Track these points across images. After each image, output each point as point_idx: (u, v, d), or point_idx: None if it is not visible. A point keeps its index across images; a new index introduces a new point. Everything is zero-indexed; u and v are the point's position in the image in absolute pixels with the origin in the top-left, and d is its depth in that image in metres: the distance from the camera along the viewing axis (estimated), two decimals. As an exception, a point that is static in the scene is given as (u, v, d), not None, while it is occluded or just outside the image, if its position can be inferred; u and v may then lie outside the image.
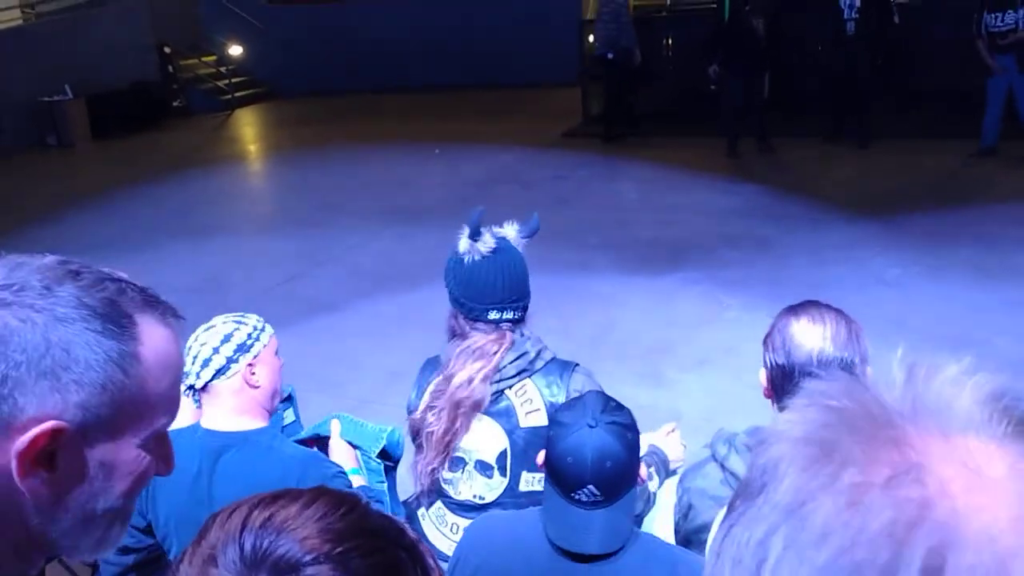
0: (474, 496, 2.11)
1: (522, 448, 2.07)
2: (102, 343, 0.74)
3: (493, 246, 2.09)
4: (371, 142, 11.29)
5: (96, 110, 12.92)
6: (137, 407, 0.76)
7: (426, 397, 2.15)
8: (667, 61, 11.05)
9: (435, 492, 2.17)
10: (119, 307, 0.76)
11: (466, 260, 2.09)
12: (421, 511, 2.21)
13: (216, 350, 1.91)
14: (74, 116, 12.73)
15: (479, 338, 2.10)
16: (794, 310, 1.73)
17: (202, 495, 1.91)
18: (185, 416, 2.18)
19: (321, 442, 2.31)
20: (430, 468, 2.10)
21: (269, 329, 2.02)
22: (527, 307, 2.15)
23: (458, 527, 2.13)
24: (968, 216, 6.91)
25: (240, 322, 1.96)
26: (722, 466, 1.71)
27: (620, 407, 1.73)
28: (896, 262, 6.14)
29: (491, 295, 2.10)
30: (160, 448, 0.81)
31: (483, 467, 2.10)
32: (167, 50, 14.48)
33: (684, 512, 1.76)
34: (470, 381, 2.05)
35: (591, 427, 1.64)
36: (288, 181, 10.46)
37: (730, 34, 8.87)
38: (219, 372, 1.91)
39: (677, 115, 10.61)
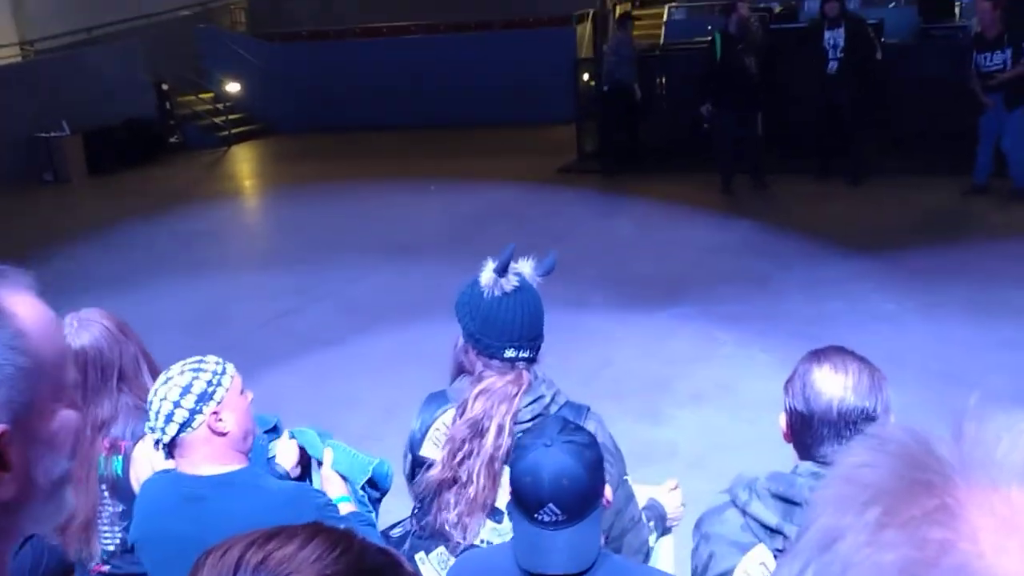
0: (481, 541, 2.06)
1: None
2: None
3: (516, 284, 2.06)
4: (367, 179, 11.34)
5: (93, 146, 12.97)
6: (47, 376, 0.77)
7: (442, 441, 2.08)
8: (661, 99, 11.16)
9: (438, 536, 2.10)
10: None
11: (486, 295, 2.05)
12: (420, 555, 2.15)
13: (177, 404, 1.85)
14: (71, 152, 12.78)
15: (496, 379, 2.04)
16: (817, 357, 1.71)
17: (188, 542, 1.88)
18: (157, 467, 2.17)
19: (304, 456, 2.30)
20: (466, 524, 2.03)
21: (230, 369, 1.96)
22: (540, 347, 2.11)
23: None
24: (962, 253, 6.95)
25: (198, 369, 1.89)
26: (743, 511, 1.69)
27: (579, 428, 1.74)
28: (891, 298, 6.16)
29: (510, 333, 2.05)
30: (73, 396, 0.82)
31: (492, 512, 2.05)
32: (164, 87, 14.58)
33: (704, 560, 1.75)
34: (500, 431, 2.00)
35: (547, 446, 1.66)
36: (284, 217, 10.49)
37: (722, 73, 8.94)
38: (184, 426, 1.86)
39: (672, 152, 10.69)
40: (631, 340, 5.81)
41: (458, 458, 2.02)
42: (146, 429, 1.90)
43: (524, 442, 1.72)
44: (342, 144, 13.84)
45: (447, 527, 2.07)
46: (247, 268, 8.54)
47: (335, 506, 2.00)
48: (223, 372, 1.92)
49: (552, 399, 2.06)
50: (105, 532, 2.27)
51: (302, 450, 2.30)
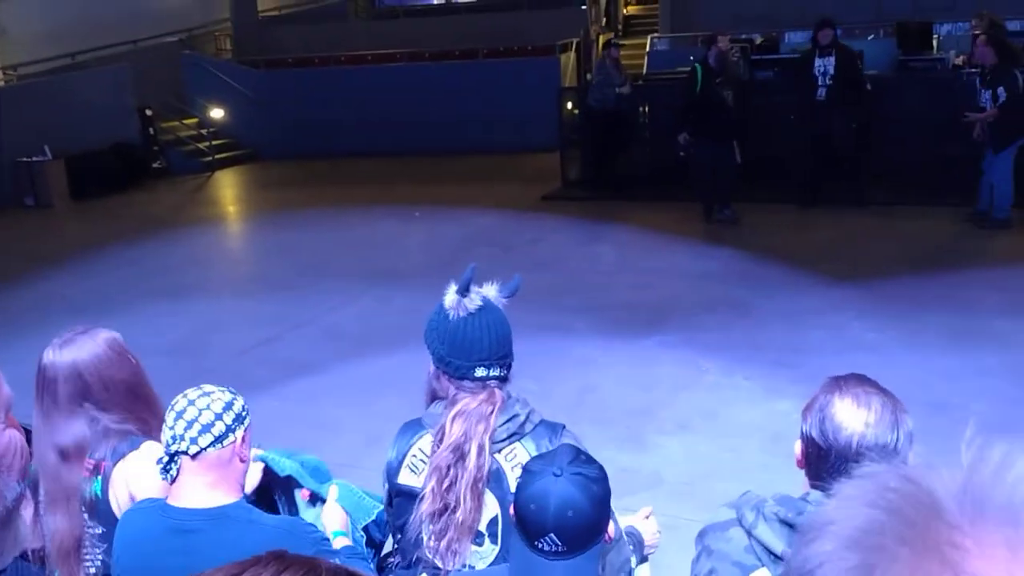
0: (464, 565, 2.04)
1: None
2: None
3: (480, 304, 2.07)
4: (351, 205, 11.34)
5: (76, 170, 12.91)
6: None
7: (420, 468, 2.08)
8: (642, 128, 11.27)
9: (419, 562, 2.08)
10: None
11: (451, 316, 2.06)
12: None
13: (219, 416, 1.85)
14: (53, 176, 12.71)
15: (469, 399, 2.05)
16: (839, 387, 1.68)
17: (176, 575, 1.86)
18: (144, 468, 2.11)
19: (315, 497, 2.27)
20: (456, 550, 2.01)
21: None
22: (511, 365, 2.12)
23: None
24: (944, 281, 7.02)
25: (234, 393, 1.92)
26: (749, 533, 1.68)
27: (591, 460, 1.74)
28: (872, 327, 6.20)
29: (479, 352, 2.06)
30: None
31: (475, 535, 2.04)
32: (148, 112, 14.56)
33: (707, 572, 1.74)
34: (481, 450, 2.00)
35: (556, 476, 1.66)
36: (267, 243, 10.46)
37: (701, 104, 9.07)
38: (218, 440, 1.84)
39: (655, 180, 10.78)
40: (615, 367, 5.80)
41: (445, 484, 2.01)
42: (167, 438, 1.85)
43: (533, 468, 1.72)
44: (326, 171, 13.86)
45: (433, 555, 2.04)
46: (229, 294, 8.49)
47: (329, 541, 1.96)
48: (247, 405, 1.95)
49: (527, 417, 2.06)
50: (86, 555, 2.22)
51: (267, 473, 2.27)
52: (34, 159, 12.62)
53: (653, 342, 6.15)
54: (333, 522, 2.18)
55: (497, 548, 2.04)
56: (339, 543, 2.07)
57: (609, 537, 1.76)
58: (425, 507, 2.04)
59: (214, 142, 14.84)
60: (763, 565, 1.65)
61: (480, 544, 2.04)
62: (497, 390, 2.07)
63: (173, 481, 1.89)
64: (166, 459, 1.87)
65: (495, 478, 2.04)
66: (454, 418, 2.04)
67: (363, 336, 6.67)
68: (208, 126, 15.07)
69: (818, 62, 9.12)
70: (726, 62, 9.26)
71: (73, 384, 2.14)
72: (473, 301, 2.07)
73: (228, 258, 10.47)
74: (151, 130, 14.59)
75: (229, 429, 1.86)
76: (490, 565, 2.04)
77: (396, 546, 2.19)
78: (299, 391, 5.68)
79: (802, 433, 1.70)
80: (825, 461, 1.64)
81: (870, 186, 9.52)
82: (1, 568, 2.06)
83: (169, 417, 1.87)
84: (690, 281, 7.51)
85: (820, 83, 9.10)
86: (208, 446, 1.84)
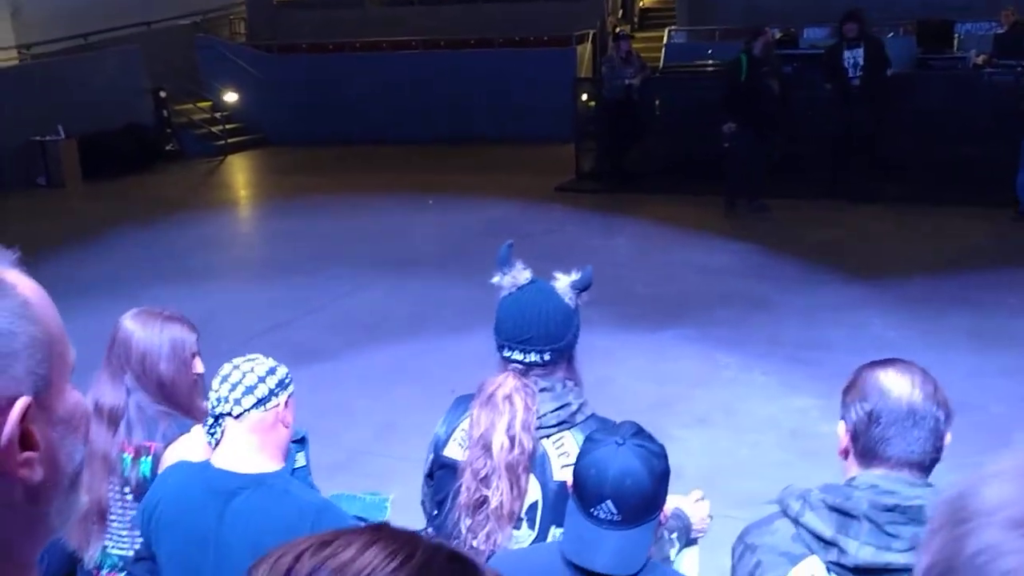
0: (499, 548, 2.01)
1: (553, 502, 2.00)
2: (1, 305, 0.71)
3: (522, 281, 2.05)
4: (364, 192, 11.29)
5: (88, 151, 12.87)
6: (55, 348, 0.74)
7: (467, 443, 2.05)
8: (657, 120, 11.20)
9: (453, 541, 2.05)
10: None
11: (503, 293, 2.07)
12: None
13: (262, 379, 1.88)
14: (65, 156, 12.68)
15: (490, 385, 2.02)
16: (880, 363, 1.71)
17: (209, 536, 1.84)
18: (196, 451, 2.11)
19: None
20: (494, 540, 1.98)
21: None
22: (557, 353, 2.03)
23: None
24: (965, 281, 6.93)
25: (277, 362, 1.96)
26: (796, 522, 1.65)
27: (653, 438, 1.74)
28: (891, 325, 6.14)
29: (505, 332, 2.04)
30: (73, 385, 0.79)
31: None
32: (162, 94, 14.52)
33: (751, 568, 1.71)
34: (512, 439, 1.95)
35: (618, 444, 1.67)
36: (278, 228, 10.41)
37: (747, 94, 8.95)
38: (261, 402, 1.87)
39: (668, 173, 10.72)
40: (632, 360, 5.76)
41: (481, 476, 1.99)
42: (212, 401, 1.89)
43: (596, 437, 1.73)
44: (339, 157, 13.80)
45: (470, 540, 2.02)
46: (241, 279, 8.46)
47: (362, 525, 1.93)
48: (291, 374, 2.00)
49: (579, 408, 2.03)
50: (124, 536, 2.20)
51: None
52: (47, 138, 12.59)
53: (670, 335, 6.11)
54: None
55: (535, 534, 2.02)
56: None
57: (665, 516, 1.75)
58: (462, 500, 2.02)
59: (227, 126, 14.79)
60: (812, 552, 1.63)
61: (518, 528, 2.02)
62: (514, 376, 2.00)
63: (217, 444, 1.91)
64: (211, 420, 1.90)
65: (539, 463, 2.01)
66: (479, 409, 2.01)
67: (375, 324, 6.63)
68: (221, 109, 15.03)
69: (847, 54, 9.09)
70: (771, 53, 9.22)
71: (121, 353, 2.20)
72: (515, 278, 2.05)
73: (240, 242, 10.44)
74: (165, 112, 14.55)
75: (272, 392, 1.88)
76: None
77: (432, 524, 2.16)
78: (311, 377, 5.61)
79: (845, 416, 1.68)
80: (876, 426, 1.61)
81: (890, 183, 9.46)
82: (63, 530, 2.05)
83: (215, 382, 1.90)
84: (707, 275, 7.45)
85: (851, 74, 9.06)
86: (251, 407, 1.86)
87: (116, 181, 12.72)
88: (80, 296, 6.70)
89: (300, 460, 2.30)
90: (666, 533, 2.10)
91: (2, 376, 0.68)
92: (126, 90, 13.92)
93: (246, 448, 1.86)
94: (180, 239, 9.51)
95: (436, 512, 2.13)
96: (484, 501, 1.98)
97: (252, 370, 1.89)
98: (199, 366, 2.30)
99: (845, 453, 1.71)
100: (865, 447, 1.65)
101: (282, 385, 1.91)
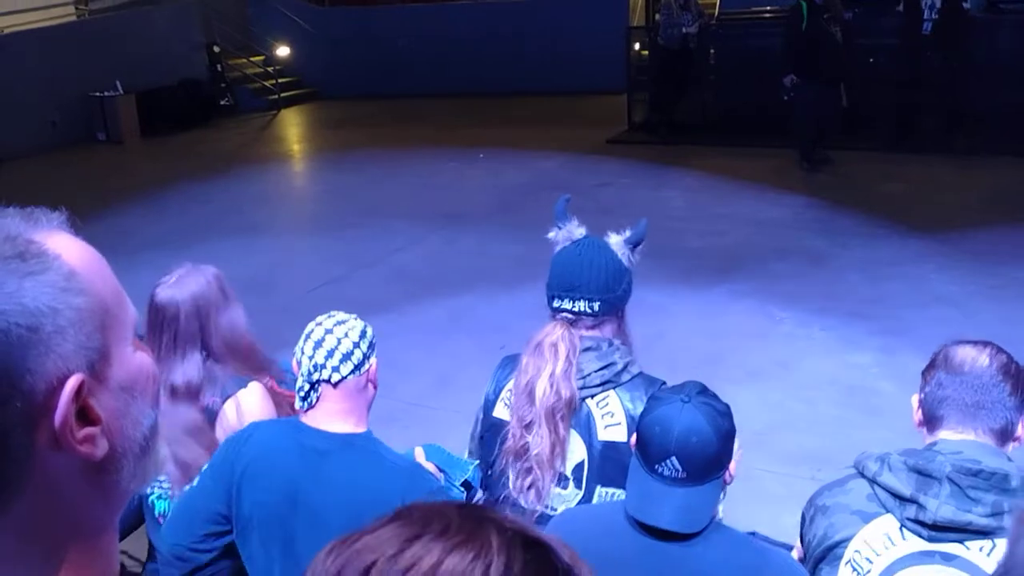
0: (546, 507, 2.04)
1: (599, 462, 2.01)
2: (42, 280, 0.67)
3: (577, 236, 2.07)
4: (415, 146, 11.31)
5: (145, 107, 13.07)
6: (109, 315, 0.71)
7: (509, 404, 2.09)
8: (712, 70, 10.95)
9: (505, 499, 2.10)
10: (16, 239, 0.69)
11: (556, 249, 2.09)
12: None
13: (356, 344, 1.86)
14: (124, 112, 12.89)
15: (539, 334, 2.05)
16: (955, 342, 1.73)
17: (300, 494, 1.86)
18: (252, 404, 2.16)
19: None
20: (539, 487, 2.01)
21: None
22: (608, 305, 2.03)
23: None
24: (1029, 234, 6.73)
25: (363, 321, 1.93)
26: (873, 482, 1.67)
27: (719, 398, 1.73)
28: (953, 280, 6.00)
29: (558, 280, 2.05)
30: (138, 342, 0.77)
31: (559, 477, 2.04)
32: (216, 49, 14.62)
33: (820, 533, 1.73)
34: (553, 385, 1.98)
35: (684, 402, 1.66)
36: (332, 182, 10.49)
37: (808, 43, 8.61)
38: (357, 367, 1.85)
39: (724, 124, 10.52)
40: (685, 315, 5.72)
41: (526, 422, 2.02)
42: (307, 367, 1.86)
43: (660, 395, 1.73)
44: (390, 110, 13.81)
45: (517, 493, 2.06)
46: (296, 232, 8.58)
47: (446, 492, 1.96)
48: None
49: (624, 367, 2.02)
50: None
51: None
52: (106, 94, 12.79)
53: (724, 290, 6.05)
54: None
55: (581, 493, 2.04)
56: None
57: (731, 476, 1.75)
58: (508, 445, 2.05)
59: (280, 80, 14.87)
60: (887, 511, 1.63)
61: (564, 488, 2.03)
62: (565, 327, 2.02)
63: (310, 408, 1.90)
64: (307, 387, 1.88)
65: (583, 423, 2.02)
66: (527, 357, 2.04)
67: (430, 277, 6.68)
68: (274, 64, 15.09)
69: None
70: None
71: (191, 321, 2.17)
72: (571, 233, 2.07)
73: (294, 196, 10.55)
74: (219, 67, 14.66)
75: (366, 356, 1.88)
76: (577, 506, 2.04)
77: (483, 483, 2.20)
78: (368, 330, 5.72)
79: (921, 392, 1.70)
80: (944, 390, 1.65)
81: (960, 134, 9.17)
82: (141, 494, 2.11)
83: (307, 346, 1.87)
84: (762, 228, 7.33)
85: (926, 16, 8.74)
86: (349, 374, 1.85)
87: (172, 136, 12.91)
88: (140, 251, 6.87)
89: None
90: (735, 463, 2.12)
91: (50, 356, 0.66)
92: (181, 45, 14.05)
93: (339, 411, 1.87)
94: (236, 194, 9.65)
95: (489, 471, 2.16)
96: (527, 448, 2.01)
97: (347, 335, 1.86)
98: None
99: (920, 424, 1.73)
100: (934, 417, 1.66)
101: (372, 347, 1.90)
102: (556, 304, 2.05)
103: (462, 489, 2.22)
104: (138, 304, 0.82)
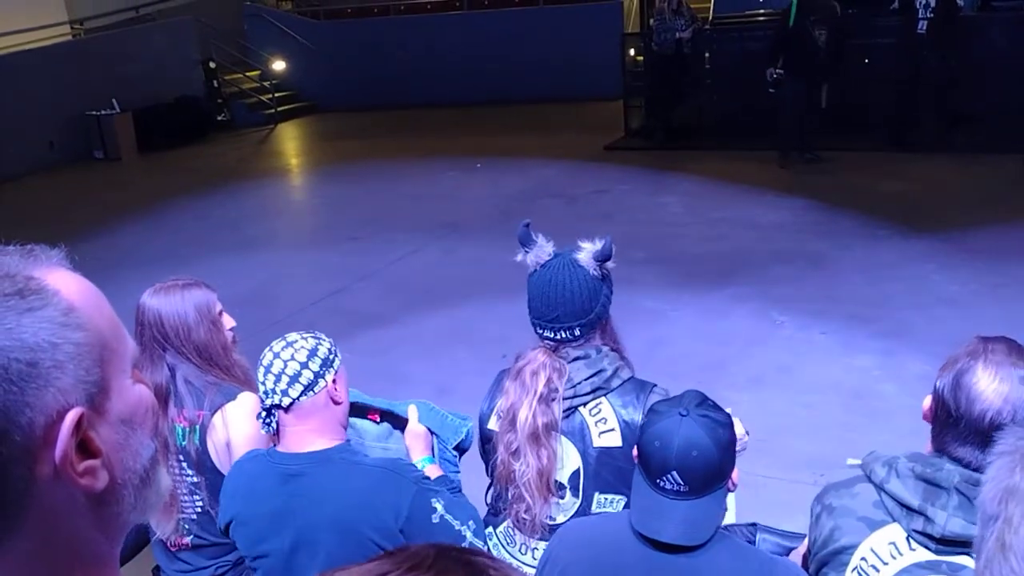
0: (546, 517, 2.05)
1: (595, 469, 2.02)
2: (41, 316, 0.68)
3: (545, 257, 2.05)
4: (413, 156, 11.31)
5: (142, 124, 13.09)
6: (107, 349, 0.73)
7: (498, 423, 2.10)
8: (707, 74, 10.96)
9: (504, 511, 2.12)
10: (15, 276, 0.70)
11: (529, 272, 2.08)
12: (488, 530, 2.15)
13: (304, 365, 1.84)
14: (121, 129, 12.91)
15: (522, 360, 2.07)
16: (985, 350, 1.55)
17: (284, 522, 1.86)
18: (242, 417, 2.18)
19: (387, 417, 2.26)
20: (533, 513, 2.01)
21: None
22: (586, 327, 2.04)
23: (527, 547, 2.07)
24: (1029, 232, 6.71)
25: (318, 337, 1.91)
26: (880, 488, 1.63)
27: (718, 407, 1.72)
28: (954, 280, 5.97)
29: (536, 309, 2.06)
30: (139, 373, 0.78)
31: (555, 487, 2.04)
32: (212, 65, 14.65)
33: (826, 533, 1.69)
34: (532, 412, 1.99)
35: (682, 415, 1.65)
36: (330, 195, 10.49)
37: (792, 40, 8.90)
38: (307, 388, 1.84)
39: (720, 128, 10.52)
40: (685, 320, 5.70)
41: (511, 450, 2.03)
42: (261, 393, 1.88)
43: (659, 408, 1.72)
44: (387, 121, 13.82)
45: (514, 521, 2.08)
46: (295, 246, 8.56)
47: (429, 479, 1.95)
48: (335, 345, 1.94)
49: (614, 373, 2.02)
50: (184, 502, 2.27)
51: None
52: (103, 112, 12.81)
53: (725, 295, 6.03)
54: (417, 448, 2.16)
55: (579, 501, 2.05)
56: (430, 472, 2.06)
57: (733, 484, 1.74)
58: (500, 472, 2.07)
59: (276, 94, 14.89)
60: (894, 520, 1.60)
61: (562, 497, 2.05)
62: (543, 352, 2.04)
63: (276, 432, 1.91)
64: (263, 413, 1.90)
65: (578, 432, 2.03)
66: (510, 383, 2.06)
67: (429, 288, 6.67)
68: (270, 78, 15.12)
69: None
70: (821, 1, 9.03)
71: (155, 331, 2.22)
72: (538, 255, 2.05)
73: (292, 210, 10.55)
74: (215, 83, 14.69)
75: (317, 376, 1.85)
76: (570, 518, 2.04)
77: (487, 491, 2.22)
78: (369, 342, 5.70)
79: (935, 390, 1.61)
80: (953, 428, 1.56)
81: (958, 133, 9.17)
82: (142, 524, 2.13)
83: (259, 373, 1.88)
84: (762, 232, 7.32)
85: (921, 16, 8.78)
86: (299, 396, 1.84)
87: (170, 153, 12.92)
88: (138, 268, 6.85)
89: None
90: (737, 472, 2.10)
91: (49, 390, 0.67)
92: (178, 62, 14.09)
93: (304, 432, 1.86)
94: (234, 209, 9.64)
95: (491, 482, 2.18)
96: (515, 476, 2.02)
97: (292, 358, 1.84)
98: (229, 321, 2.35)
99: (929, 420, 1.66)
100: (940, 438, 1.60)
101: (327, 364, 1.87)
102: (539, 331, 2.07)
103: (455, 453, 2.22)
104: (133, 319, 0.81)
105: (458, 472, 2.24)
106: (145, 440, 0.75)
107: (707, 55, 10.93)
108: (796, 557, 1.94)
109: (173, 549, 2.33)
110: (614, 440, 1.99)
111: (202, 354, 2.25)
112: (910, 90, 9.07)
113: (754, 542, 2.07)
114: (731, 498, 2.22)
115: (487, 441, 2.15)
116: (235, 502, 1.95)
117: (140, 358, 2.14)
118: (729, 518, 2.21)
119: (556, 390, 2.00)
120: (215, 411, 2.22)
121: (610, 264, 2.06)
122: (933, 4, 8.76)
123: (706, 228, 7.56)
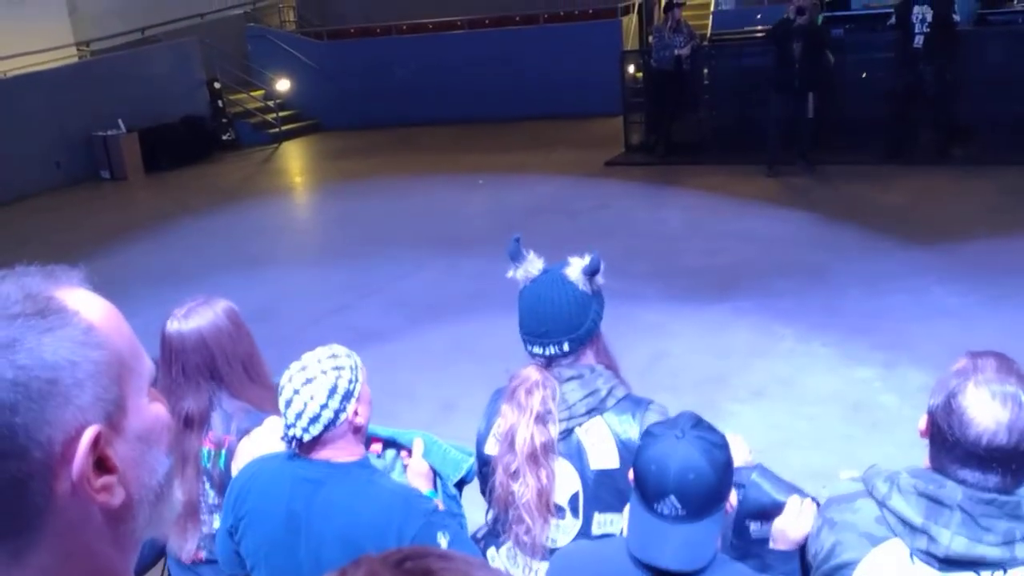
0: (546, 539, 2.03)
1: (593, 489, 2.00)
2: (61, 335, 0.70)
3: (535, 273, 2.05)
4: (415, 174, 11.39)
5: (148, 144, 13.20)
6: (125, 367, 0.74)
7: (497, 445, 2.08)
8: (706, 90, 11.05)
9: (504, 532, 2.10)
10: (37, 296, 0.72)
11: (519, 288, 2.08)
12: (491, 551, 2.14)
13: (324, 405, 1.82)
14: (127, 150, 13.01)
15: (515, 379, 2.06)
16: (975, 369, 1.53)
17: (298, 525, 1.88)
18: (269, 443, 2.17)
19: (390, 446, 2.26)
20: (533, 535, 2.00)
21: (358, 359, 1.93)
22: (576, 342, 2.03)
23: (531, 568, 2.06)
24: (1028, 243, 6.76)
25: (338, 368, 1.86)
26: (882, 504, 1.61)
27: (713, 428, 1.70)
28: (954, 291, 6.01)
29: (526, 326, 2.05)
30: (156, 391, 0.80)
31: (555, 509, 2.02)
32: (217, 85, 14.78)
33: (827, 548, 1.68)
34: (530, 432, 1.98)
35: (678, 438, 1.63)
36: (335, 212, 10.57)
37: (776, 53, 9.24)
38: (329, 425, 1.83)
39: (719, 143, 10.60)
40: (686, 333, 5.74)
41: (510, 471, 2.01)
42: (284, 423, 1.87)
43: (655, 431, 1.69)
44: (390, 139, 13.92)
45: (515, 544, 2.07)
46: (300, 264, 8.63)
47: (441, 513, 1.95)
48: (358, 367, 1.90)
49: (609, 392, 2.01)
50: (203, 520, 2.30)
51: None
52: (109, 133, 12.92)
53: (725, 308, 6.07)
54: (421, 481, 2.17)
55: (579, 523, 2.03)
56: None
57: (731, 506, 1.72)
58: (498, 495, 2.06)
59: (280, 113, 15.01)
60: (895, 535, 1.58)
61: (562, 518, 2.03)
62: (536, 369, 2.03)
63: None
64: (287, 438, 1.90)
65: (576, 453, 2.01)
66: (506, 404, 2.04)
67: (433, 303, 6.72)
68: (274, 97, 15.24)
69: (916, 9, 8.97)
70: (801, 14, 9.17)
71: (200, 354, 2.21)
72: (528, 270, 2.05)
73: (297, 228, 10.62)
74: (220, 103, 14.82)
75: (338, 412, 1.84)
76: (573, 540, 2.03)
77: (487, 513, 2.20)
78: (373, 358, 5.65)
79: (929, 410, 1.59)
80: (951, 452, 1.53)
81: (955, 145, 9.24)
82: (160, 540, 2.15)
83: (280, 403, 1.87)
84: (762, 245, 7.37)
85: (917, 31, 8.88)
86: (320, 433, 1.84)
87: (176, 172, 13.03)
88: (146, 286, 6.93)
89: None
90: (734, 493, 2.08)
91: (68, 407, 0.68)
92: (183, 82, 14.22)
93: (331, 450, 1.88)
94: (239, 227, 9.72)
95: (490, 505, 2.16)
96: (514, 498, 2.00)
97: (312, 397, 1.81)
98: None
99: (925, 436, 1.64)
100: (936, 457, 1.58)
101: (347, 396, 1.84)
102: (529, 348, 2.06)
103: (455, 490, 2.23)
104: (144, 338, 0.85)
105: (461, 509, 2.23)
106: (161, 457, 0.77)
107: (706, 71, 11.02)
108: (780, 533, 1.87)
109: (188, 562, 2.37)
110: (612, 460, 1.98)
111: (245, 364, 2.24)
112: (907, 104, 9.16)
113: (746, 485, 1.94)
114: (739, 440, 2.10)
115: (484, 464, 2.14)
116: (250, 496, 1.94)
117: (185, 387, 2.17)
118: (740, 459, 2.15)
119: (550, 411, 1.99)
120: (242, 436, 2.22)
121: (600, 280, 2.05)
122: (929, 19, 8.87)
123: (706, 242, 7.62)
